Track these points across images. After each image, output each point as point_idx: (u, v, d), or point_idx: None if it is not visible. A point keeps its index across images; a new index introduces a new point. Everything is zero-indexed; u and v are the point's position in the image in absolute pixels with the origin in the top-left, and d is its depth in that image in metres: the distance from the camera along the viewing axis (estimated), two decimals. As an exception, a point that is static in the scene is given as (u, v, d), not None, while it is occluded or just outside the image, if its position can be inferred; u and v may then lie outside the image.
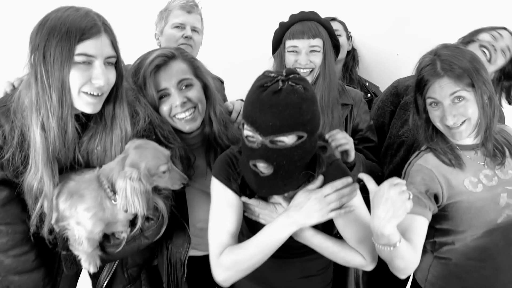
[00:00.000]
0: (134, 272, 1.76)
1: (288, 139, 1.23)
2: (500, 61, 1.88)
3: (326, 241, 1.42)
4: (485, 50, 1.86)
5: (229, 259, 1.37)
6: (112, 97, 1.42)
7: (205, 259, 1.65)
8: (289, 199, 1.41)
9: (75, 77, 1.28)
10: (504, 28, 1.92)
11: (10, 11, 2.66)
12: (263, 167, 1.29)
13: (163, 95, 1.61)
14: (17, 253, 1.45)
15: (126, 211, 1.40)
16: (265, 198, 1.45)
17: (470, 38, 1.93)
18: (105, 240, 1.50)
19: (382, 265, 1.47)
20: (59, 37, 1.25)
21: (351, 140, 1.70)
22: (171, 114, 1.62)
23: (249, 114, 1.25)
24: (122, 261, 1.71)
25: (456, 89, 1.45)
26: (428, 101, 1.52)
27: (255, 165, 1.30)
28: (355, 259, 1.41)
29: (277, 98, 1.20)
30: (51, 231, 1.46)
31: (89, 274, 1.78)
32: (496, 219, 1.50)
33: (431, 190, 1.51)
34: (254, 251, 1.36)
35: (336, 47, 1.94)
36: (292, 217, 1.33)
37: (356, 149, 1.81)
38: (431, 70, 1.49)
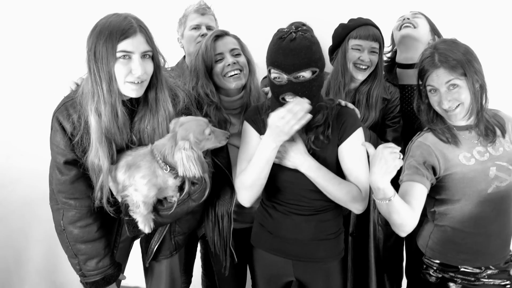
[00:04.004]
0: (180, 240, 1.98)
1: (306, 74, 1.58)
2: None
3: (328, 173, 1.66)
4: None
5: (239, 181, 1.72)
6: (153, 84, 1.64)
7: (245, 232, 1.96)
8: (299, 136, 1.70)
9: (119, 70, 1.51)
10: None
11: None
12: (290, 99, 1.60)
13: (219, 58, 1.95)
14: (83, 224, 1.69)
15: (186, 176, 1.61)
16: None
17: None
18: (159, 204, 1.71)
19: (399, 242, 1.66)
20: (105, 39, 1.49)
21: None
22: (223, 72, 1.95)
23: (274, 60, 1.60)
24: (170, 228, 1.92)
25: (450, 77, 1.63)
26: (428, 88, 1.71)
27: (283, 99, 1.63)
28: (353, 189, 1.65)
29: (294, 44, 1.56)
30: (110, 203, 1.68)
31: (140, 242, 1.99)
32: (486, 189, 1.67)
33: (428, 162, 1.70)
34: (253, 170, 1.65)
35: None
36: (268, 137, 1.59)
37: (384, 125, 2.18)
38: (430, 62, 1.68)
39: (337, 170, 1.71)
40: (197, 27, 2.45)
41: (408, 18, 2.30)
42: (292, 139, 1.66)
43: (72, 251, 1.73)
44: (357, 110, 1.87)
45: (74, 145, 1.61)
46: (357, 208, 1.68)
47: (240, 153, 1.79)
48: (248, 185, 1.68)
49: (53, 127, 1.64)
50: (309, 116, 1.55)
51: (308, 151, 1.68)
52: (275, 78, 1.62)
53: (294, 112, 1.52)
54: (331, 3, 2.81)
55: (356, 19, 2.16)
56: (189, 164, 1.59)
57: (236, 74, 1.96)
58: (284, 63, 1.56)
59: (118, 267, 1.81)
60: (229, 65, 1.95)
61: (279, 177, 1.70)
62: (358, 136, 1.69)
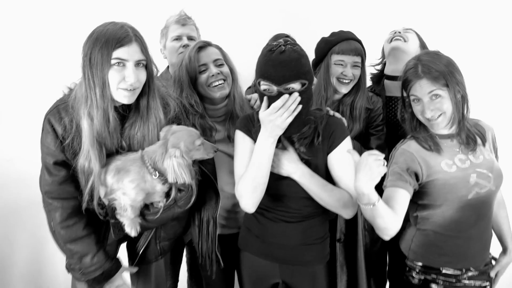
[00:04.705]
0: (165, 245, 1.98)
1: (296, 86, 1.60)
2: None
3: (320, 180, 1.70)
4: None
5: (240, 186, 1.69)
6: (146, 91, 1.67)
7: (232, 238, 1.98)
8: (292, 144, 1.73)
9: (112, 76, 1.55)
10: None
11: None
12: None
13: (203, 69, 1.99)
14: (69, 223, 1.69)
15: (176, 183, 1.65)
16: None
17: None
18: (145, 209, 1.73)
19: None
20: (100, 45, 1.53)
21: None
22: (207, 82, 1.99)
23: (264, 72, 1.61)
24: (156, 234, 1.93)
25: (433, 88, 1.68)
26: (411, 97, 1.76)
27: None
28: (344, 195, 1.69)
29: (283, 56, 1.58)
30: (100, 205, 1.70)
31: (126, 246, 2.00)
32: (467, 195, 1.72)
33: (411, 168, 1.75)
34: (254, 171, 1.65)
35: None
36: (263, 134, 1.62)
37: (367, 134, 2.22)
38: (413, 72, 1.73)
39: (326, 176, 1.75)
40: (178, 38, 2.50)
41: (400, 32, 2.35)
42: (284, 148, 1.71)
43: (66, 254, 1.75)
44: (344, 120, 1.91)
45: (65, 147, 1.64)
46: (348, 214, 1.72)
47: (237, 161, 1.79)
48: (251, 188, 1.66)
49: (45, 128, 1.66)
50: (300, 106, 1.59)
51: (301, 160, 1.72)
52: (265, 90, 1.63)
53: (287, 106, 1.56)
54: (312, 13, 2.90)
55: (337, 33, 2.20)
56: (180, 171, 1.62)
57: (220, 83, 2.01)
58: (274, 74, 1.59)
59: (116, 260, 1.81)
60: (213, 75, 2.00)
61: (270, 184, 1.71)
62: (346, 145, 1.73)
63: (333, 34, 2.21)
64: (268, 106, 1.60)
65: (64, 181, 1.68)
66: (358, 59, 2.14)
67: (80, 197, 1.69)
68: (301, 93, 1.60)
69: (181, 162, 1.63)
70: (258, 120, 1.71)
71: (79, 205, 1.70)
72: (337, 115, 1.90)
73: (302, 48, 1.66)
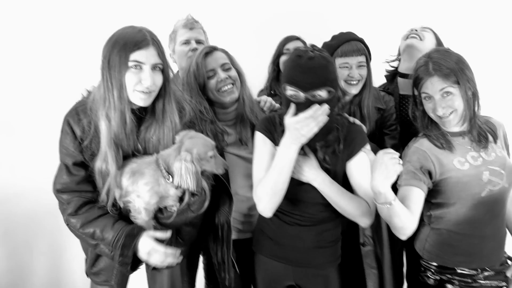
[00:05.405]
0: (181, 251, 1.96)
1: (323, 93, 1.59)
2: None
3: (340, 188, 1.70)
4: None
5: (260, 190, 1.67)
6: (162, 95, 1.69)
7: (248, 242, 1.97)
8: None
9: (129, 78, 1.58)
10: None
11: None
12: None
13: (211, 74, 1.99)
14: (82, 212, 1.67)
15: (180, 186, 1.64)
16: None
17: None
18: (159, 213, 1.73)
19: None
20: (119, 48, 1.56)
21: None
22: (217, 87, 2.00)
23: (291, 77, 1.60)
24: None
25: (444, 85, 1.69)
26: (423, 95, 1.77)
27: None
28: (363, 204, 1.69)
29: (312, 62, 1.57)
30: (115, 207, 1.69)
31: None
32: (480, 193, 1.72)
33: (424, 166, 1.75)
34: (275, 176, 1.63)
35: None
36: (288, 139, 1.61)
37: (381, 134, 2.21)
38: (424, 70, 1.73)
39: (344, 183, 1.75)
40: (186, 42, 2.53)
41: (416, 30, 2.33)
42: (305, 154, 1.71)
43: (88, 240, 1.71)
44: (364, 127, 1.91)
45: (83, 148, 1.66)
46: (365, 222, 1.71)
47: (256, 164, 1.78)
48: (271, 193, 1.65)
49: (63, 130, 1.68)
50: (327, 118, 1.58)
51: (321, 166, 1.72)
52: (291, 95, 1.62)
53: (315, 116, 1.55)
54: (321, 17, 2.92)
55: (338, 36, 2.19)
56: (186, 176, 1.63)
57: (229, 88, 2.02)
58: (302, 80, 1.58)
59: (136, 225, 1.72)
60: (221, 80, 2.00)
61: (288, 189, 1.69)
62: (366, 153, 1.74)
63: (333, 37, 2.20)
64: (295, 113, 1.60)
65: (82, 181, 1.69)
66: (362, 59, 2.13)
67: (96, 196, 1.69)
68: (327, 101, 1.59)
69: (189, 167, 1.63)
70: (280, 123, 1.72)
71: (93, 200, 1.70)
72: (357, 122, 1.90)
73: (330, 55, 1.65)
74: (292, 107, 1.60)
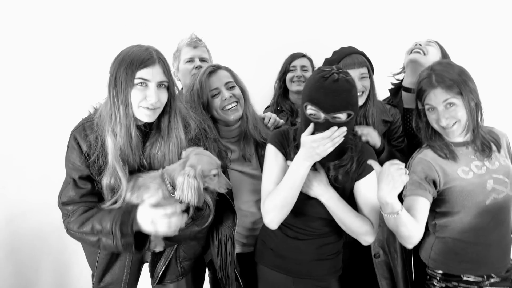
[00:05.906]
0: (186, 265, 1.98)
1: (343, 116, 1.61)
2: None
3: (346, 205, 1.71)
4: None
5: (269, 202, 1.69)
6: (167, 111, 1.73)
7: (253, 256, 1.98)
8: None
9: (135, 95, 1.62)
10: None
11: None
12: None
13: (215, 93, 2.02)
14: (81, 211, 1.67)
15: (181, 201, 1.65)
16: None
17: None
18: None
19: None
20: (125, 66, 1.60)
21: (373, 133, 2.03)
22: (221, 106, 2.02)
23: (314, 97, 1.61)
24: (176, 253, 1.94)
25: (447, 97, 1.72)
26: (426, 107, 1.80)
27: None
28: (367, 223, 1.71)
29: (337, 85, 1.58)
30: None
31: (149, 267, 1.98)
32: (484, 201, 1.74)
33: (429, 176, 1.77)
34: (285, 190, 1.67)
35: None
36: (302, 156, 1.63)
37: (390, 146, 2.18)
38: (427, 82, 1.77)
39: (350, 200, 1.77)
40: (190, 60, 2.55)
41: (421, 44, 2.34)
42: (315, 169, 1.74)
43: (89, 239, 1.68)
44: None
45: (90, 164, 1.68)
46: (366, 241, 1.73)
47: (265, 176, 1.80)
48: (280, 206, 1.68)
49: (70, 145, 1.70)
50: (342, 139, 1.61)
51: (330, 182, 1.75)
52: (311, 114, 1.64)
53: (332, 137, 1.58)
54: (321, 32, 2.95)
55: (338, 51, 2.20)
56: (188, 190, 1.64)
57: (234, 106, 2.04)
58: (324, 102, 1.59)
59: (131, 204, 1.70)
60: (226, 99, 2.03)
61: (295, 203, 1.71)
62: (375, 174, 1.74)
63: (334, 52, 2.22)
64: (313, 132, 1.62)
65: (87, 194, 1.70)
66: (364, 70, 2.12)
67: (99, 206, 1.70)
68: (345, 123, 1.61)
69: (192, 183, 1.65)
70: (294, 139, 1.75)
71: (89, 208, 1.69)
72: (365, 132, 1.95)
73: (353, 79, 1.66)
74: (311, 126, 1.63)
